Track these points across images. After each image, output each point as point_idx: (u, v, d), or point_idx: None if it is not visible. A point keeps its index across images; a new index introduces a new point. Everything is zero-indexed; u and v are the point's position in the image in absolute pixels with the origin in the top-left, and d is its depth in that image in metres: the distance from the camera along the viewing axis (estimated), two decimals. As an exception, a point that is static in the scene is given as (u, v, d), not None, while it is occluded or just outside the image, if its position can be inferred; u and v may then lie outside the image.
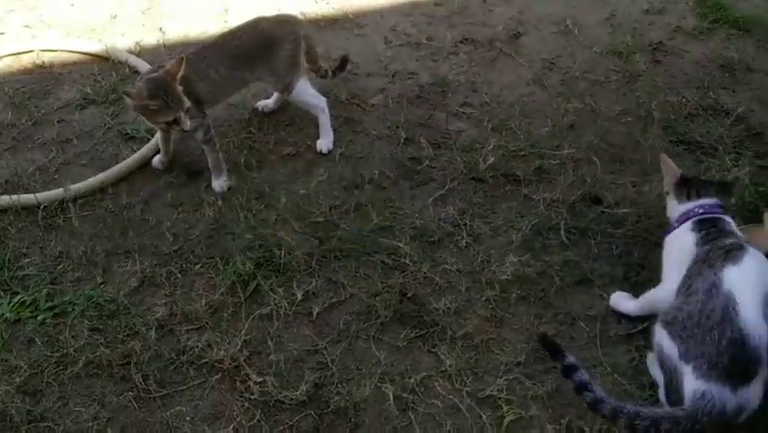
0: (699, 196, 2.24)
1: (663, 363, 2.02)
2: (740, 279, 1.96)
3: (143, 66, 3.16)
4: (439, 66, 3.31)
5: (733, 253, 2.02)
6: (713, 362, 1.86)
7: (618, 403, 1.91)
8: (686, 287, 2.06)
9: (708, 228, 2.16)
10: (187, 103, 2.49)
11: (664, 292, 2.16)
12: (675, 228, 2.25)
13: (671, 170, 2.31)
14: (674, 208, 2.29)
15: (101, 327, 2.32)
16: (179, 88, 2.47)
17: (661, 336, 2.02)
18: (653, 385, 2.10)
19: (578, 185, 2.71)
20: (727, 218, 2.20)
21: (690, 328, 1.93)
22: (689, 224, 2.21)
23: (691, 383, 1.89)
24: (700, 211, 2.22)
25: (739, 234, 2.17)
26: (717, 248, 2.06)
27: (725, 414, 1.85)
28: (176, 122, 2.51)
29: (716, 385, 1.86)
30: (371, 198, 2.71)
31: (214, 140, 2.72)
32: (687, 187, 2.27)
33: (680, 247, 2.19)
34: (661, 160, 2.33)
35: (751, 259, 2.02)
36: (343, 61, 3.05)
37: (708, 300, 1.94)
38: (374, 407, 2.13)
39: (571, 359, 2.05)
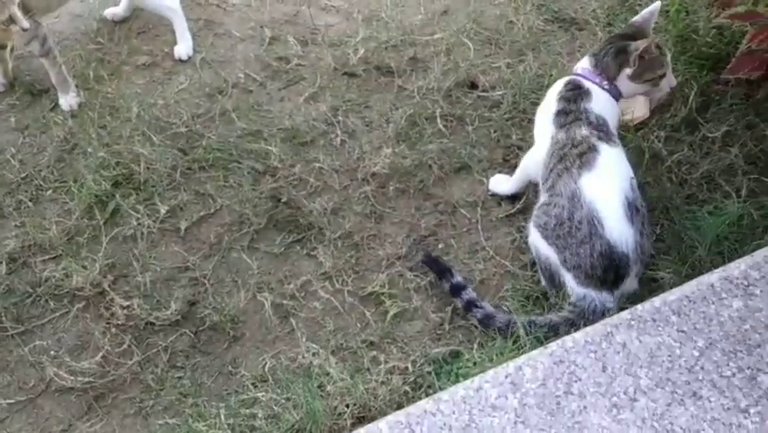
0: (600, 54, 2.13)
1: (541, 263, 2.01)
2: (598, 187, 1.93)
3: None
4: (303, -42, 3.09)
5: (586, 157, 1.96)
6: (588, 273, 1.91)
7: (510, 317, 1.93)
8: (549, 183, 2.02)
9: (567, 106, 2.06)
10: None
11: (536, 155, 2.11)
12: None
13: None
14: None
15: (-57, 267, 2.10)
16: None
17: (535, 238, 2.01)
18: (535, 265, 2.07)
19: (452, 71, 2.60)
20: (596, 91, 2.08)
21: (562, 238, 1.93)
22: (559, 88, 2.12)
23: (574, 287, 1.94)
24: (575, 72, 2.14)
25: (597, 109, 2.05)
26: (571, 146, 1.99)
27: (606, 309, 1.91)
28: (11, 20, 2.23)
29: (594, 291, 1.92)
30: (237, 102, 2.53)
31: (54, 52, 2.46)
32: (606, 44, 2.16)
33: (544, 114, 2.12)
34: None
35: (605, 162, 1.96)
36: None
37: (573, 210, 1.92)
38: (253, 318, 2.03)
39: (458, 278, 2.02)
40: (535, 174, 2.11)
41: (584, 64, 2.15)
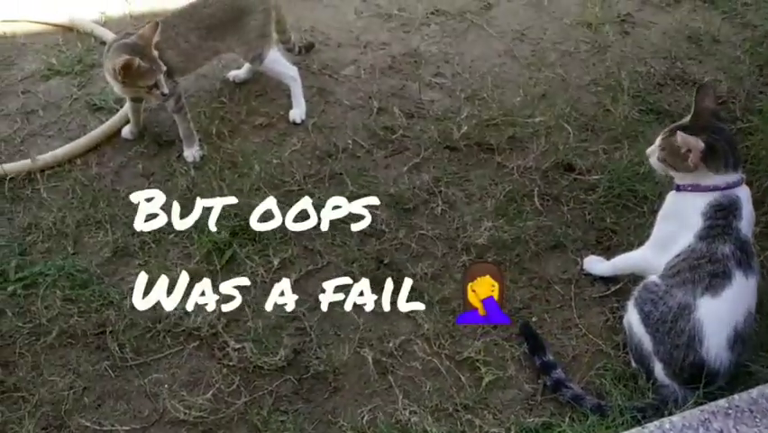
0: (730, 166, 2.04)
1: (633, 343, 2.07)
2: (713, 313, 1.95)
3: (109, 36, 3.09)
4: (411, 37, 3.30)
5: (715, 282, 1.96)
6: (675, 373, 1.99)
7: (599, 401, 2.00)
8: (670, 281, 2.01)
9: (715, 222, 2.01)
10: (164, 66, 2.46)
11: (652, 261, 2.13)
12: (688, 190, 2.09)
13: (692, 145, 2.01)
14: (702, 178, 2.05)
15: (74, 297, 2.28)
16: (155, 52, 2.43)
17: (634, 319, 2.06)
18: (626, 346, 2.14)
19: (550, 153, 2.74)
20: (743, 196, 2.04)
21: (661, 333, 1.99)
22: (703, 205, 2.03)
23: (661, 375, 2.01)
24: (722, 186, 2.03)
25: (745, 228, 2.01)
26: (708, 261, 1.98)
27: (686, 402, 1.96)
28: (156, 86, 2.48)
29: (678, 386, 1.99)
30: (346, 166, 2.70)
31: (186, 109, 2.69)
32: (718, 156, 2.03)
33: (682, 221, 2.07)
34: (678, 139, 2.03)
35: (731, 294, 1.96)
36: (310, 45, 3.14)
37: (679, 318, 1.97)
38: (354, 371, 2.14)
39: (549, 357, 2.10)
40: (640, 273, 2.17)
41: (732, 178, 2.05)
